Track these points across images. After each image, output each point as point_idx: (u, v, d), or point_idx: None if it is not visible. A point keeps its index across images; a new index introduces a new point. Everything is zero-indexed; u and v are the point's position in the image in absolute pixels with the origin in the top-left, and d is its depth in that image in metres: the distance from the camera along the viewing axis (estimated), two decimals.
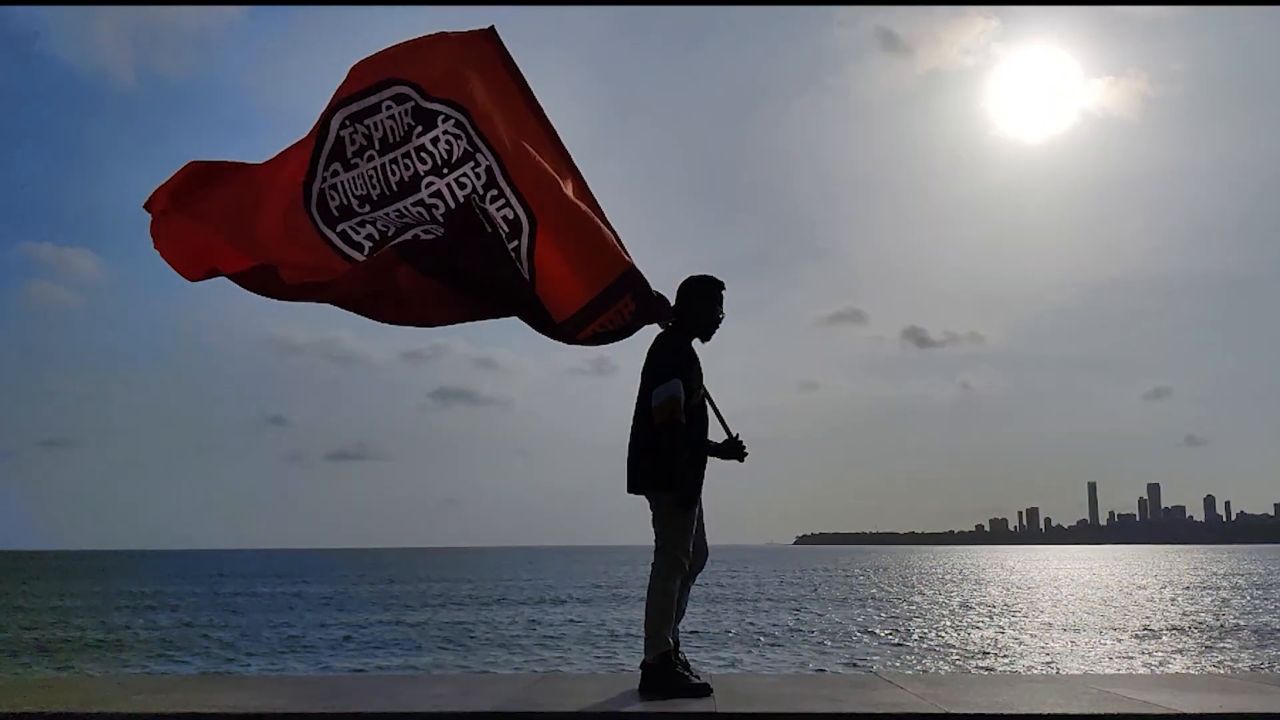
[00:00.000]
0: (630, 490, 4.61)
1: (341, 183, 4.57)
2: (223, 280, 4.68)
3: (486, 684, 5.14)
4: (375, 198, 4.58)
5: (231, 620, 26.15)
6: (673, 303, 4.66)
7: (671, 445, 4.37)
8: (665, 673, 4.32)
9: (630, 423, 4.69)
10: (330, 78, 4.67)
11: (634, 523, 4.99)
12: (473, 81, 4.74)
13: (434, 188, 4.64)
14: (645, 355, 4.68)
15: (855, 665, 15.99)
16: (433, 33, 4.80)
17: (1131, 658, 17.22)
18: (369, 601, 34.18)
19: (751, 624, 23.50)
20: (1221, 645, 19.10)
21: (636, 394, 4.66)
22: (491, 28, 4.87)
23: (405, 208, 4.60)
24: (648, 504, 4.57)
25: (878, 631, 21.96)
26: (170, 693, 4.59)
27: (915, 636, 20.91)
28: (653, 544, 4.64)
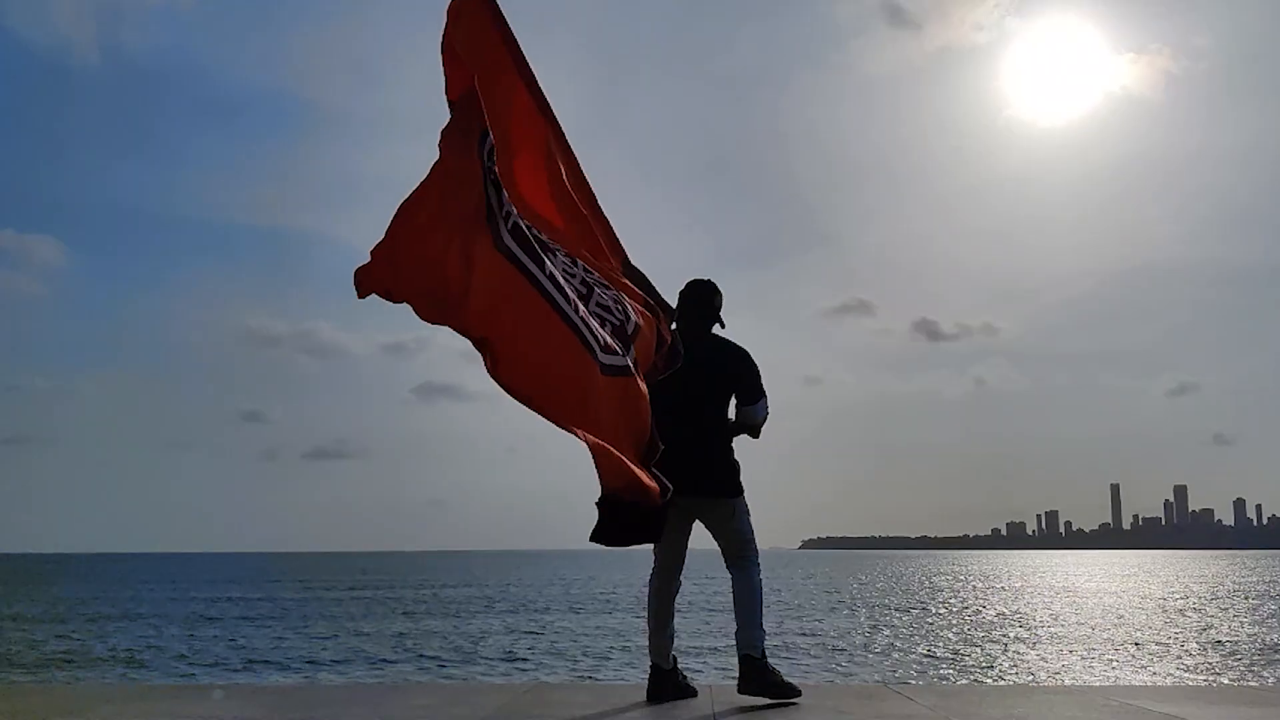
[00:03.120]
0: (698, 495, 4.51)
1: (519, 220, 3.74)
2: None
3: (474, 694, 5.16)
4: (545, 239, 3.91)
5: (203, 628, 26.17)
6: (685, 302, 4.78)
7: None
8: (765, 665, 4.40)
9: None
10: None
11: None
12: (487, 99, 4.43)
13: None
14: (678, 350, 4.70)
15: (863, 675, 16.04)
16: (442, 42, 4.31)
17: (1155, 670, 17.27)
18: (349, 608, 34.20)
19: None
20: (1252, 657, 19.16)
21: (680, 391, 4.53)
22: None
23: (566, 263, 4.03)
24: (705, 509, 4.58)
25: (886, 640, 22.02)
26: (139, 702, 4.60)
27: (926, 646, 20.96)
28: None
